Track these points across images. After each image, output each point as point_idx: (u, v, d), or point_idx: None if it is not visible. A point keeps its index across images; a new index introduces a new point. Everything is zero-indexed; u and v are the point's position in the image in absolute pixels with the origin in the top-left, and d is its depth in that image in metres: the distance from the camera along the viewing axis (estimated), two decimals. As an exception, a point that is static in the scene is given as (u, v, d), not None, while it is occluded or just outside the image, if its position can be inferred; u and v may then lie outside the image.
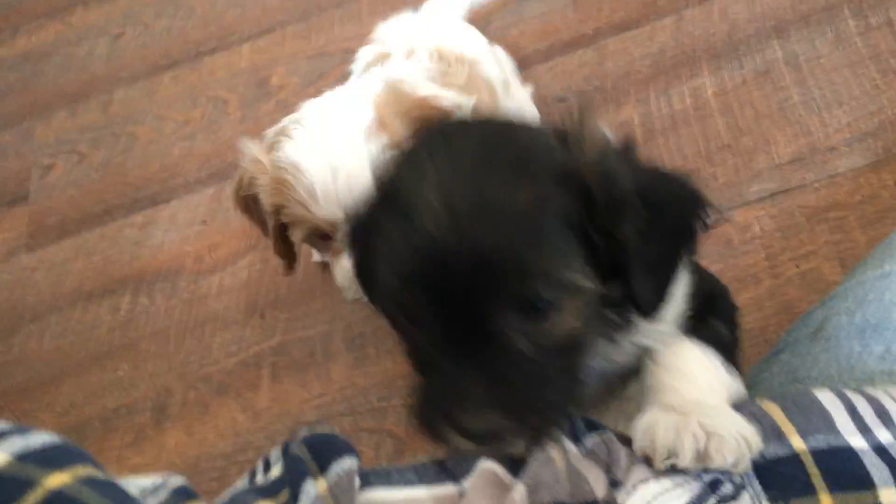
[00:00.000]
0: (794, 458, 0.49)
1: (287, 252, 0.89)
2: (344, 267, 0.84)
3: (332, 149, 0.80)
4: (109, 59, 1.66)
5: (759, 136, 1.16)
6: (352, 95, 0.88)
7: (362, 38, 1.50)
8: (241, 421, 1.09)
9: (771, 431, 0.51)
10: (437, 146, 0.54)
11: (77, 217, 1.41)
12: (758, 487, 0.48)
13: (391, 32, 1.07)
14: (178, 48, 1.63)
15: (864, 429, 0.51)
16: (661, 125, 1.22)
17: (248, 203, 0.88)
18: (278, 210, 0.83)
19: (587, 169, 0.52)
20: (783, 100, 1.18)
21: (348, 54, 1.48)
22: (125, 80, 1.61)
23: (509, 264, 0.49)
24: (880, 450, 0.49)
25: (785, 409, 0.52)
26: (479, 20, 1.43)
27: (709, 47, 1.28)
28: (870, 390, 0.57)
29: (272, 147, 0.84)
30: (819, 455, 0.48)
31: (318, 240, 0.85)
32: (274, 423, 1.07)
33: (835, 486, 0.47)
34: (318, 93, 1.42)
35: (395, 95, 0.85)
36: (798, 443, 0.49)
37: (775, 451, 0.50)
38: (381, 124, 0.81)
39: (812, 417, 0.51)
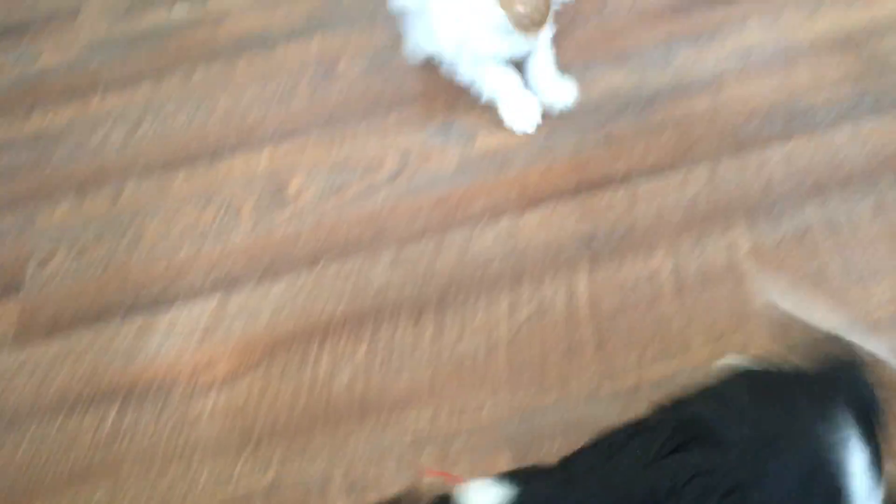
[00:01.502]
0: None
1: None
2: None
3: None
4: (124, 149, 1.62)
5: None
6: None
7: (386, 154, 1.48)
8: (223, 569, 1.00)
9: None
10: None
11: (71, 314, 1.34)
12: None
13: None
14: (196, 144, 1.59)
15: None
16: (693, 280, 1.17)
17: None
18: None
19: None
20: (822, 265, 1.14)
21: (369, 170, 1.46)
22: (138, 172, 1.56)
23: None
24: None
25: None
26: (506, 151, 1.41)
27: (745, 201, 1.25)
28: None
29: None
30: None
31: None
32: (260, 576, 0.98)
33: None
34: (336, 207, 1.41)
35: None
36: None
37: None
38: None
39: None
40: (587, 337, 1.15)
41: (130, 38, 1.88)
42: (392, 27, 1.71)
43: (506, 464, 1.04)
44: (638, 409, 0.70)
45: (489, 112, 1.49)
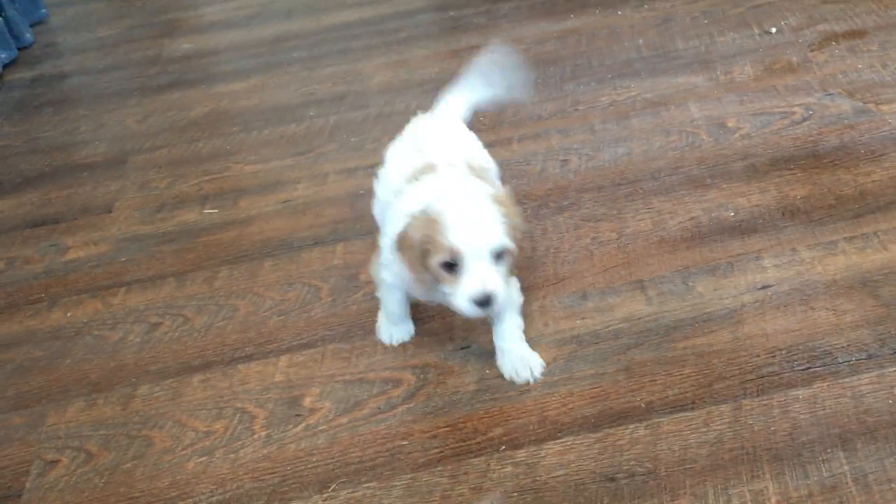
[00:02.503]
0: None
1: (426, 275, 1.27)
2: (463, 290, 1.22)
3: (468, 203, 1.24)
4: (141, 350, 1.62)
5: (831, 565, 1.06)
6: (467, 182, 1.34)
7: (404, 368, 1.48)
8: None
9: None
10: None
11: (68, 529, 1.29)
12: None
13: (417, 145, 1.49)
14: (213, 349, 1.59)
15: None
16: (720, 531, 1.12)
17: (404, 243, 1.26)
18: (425, 241, 1.22)
19: None
20: (855, 529, 1.10)
21: (388, 385, 1.45)
22: (153, 375, 1.55)
23: None
24: None
25: None
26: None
27: (770, 446, 1.22)
28: None
29: (427, 207, 1.24)
30: None
31: (444, 270, 1.22)
32: None
33: None
34: (351, 424, 1.38)
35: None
36: None
37: None
38: (496, 197, 1.27)
39: None
40: (609, 589, 1.09)
41: (159, 236, 1.94)
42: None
43: None
44: None
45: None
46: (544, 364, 1.41)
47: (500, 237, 1.21)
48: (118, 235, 1.97)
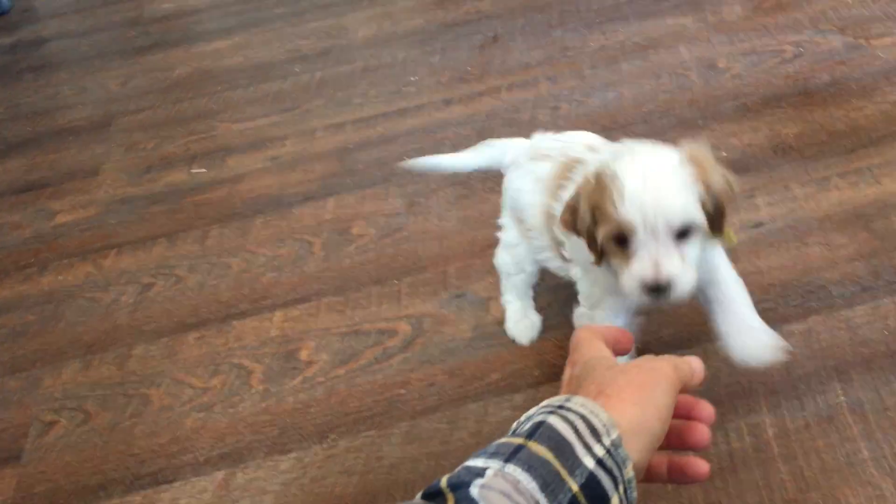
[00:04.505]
0: (575, 501, 0.55)
1: (596, 250, 1.06)
2: (632, 273, 0.99)
3: (650, 168, 0.98)
4: (135, 310, 1.61)
5: (829, 493, 1.07)
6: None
7: (399, 319, 1.47)
8: None
9: (554, 480, 0.55)
10: None
11: (70, 488, 1.29)
12: None
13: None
14: (207, 307, 1.58)
15: (587, 447, 0.57)
16: (718, 464, 1.13)
17: (573, 211, 1.05)
18: (594, 209, 1.00)
19: None
20: (851, 453, 1.10)
21: (383, 336, 1.44)
22: (147, 335, 1.55)
23: None
24: (600, 462, 0.57)
25: (552, 451, 0.56)
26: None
27: (765, 380, 1.23)
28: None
29: (601, 167, 1.02)
30: (584, 488, 0.55)
31: (614, 244, 1.01)
32: None
33: None
34: (348, 376, 1.38)
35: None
36: (573, 485, 0.55)
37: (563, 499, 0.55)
38: (690, 155, 0.99)
39: (566, 452, 0.56)
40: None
41: (148, 197, 1.92)
42: (404, 194, 1.75)
43: None
44: None
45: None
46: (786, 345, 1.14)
47: (684, 210, 0.96)
48: (106, 198, 1.95)
